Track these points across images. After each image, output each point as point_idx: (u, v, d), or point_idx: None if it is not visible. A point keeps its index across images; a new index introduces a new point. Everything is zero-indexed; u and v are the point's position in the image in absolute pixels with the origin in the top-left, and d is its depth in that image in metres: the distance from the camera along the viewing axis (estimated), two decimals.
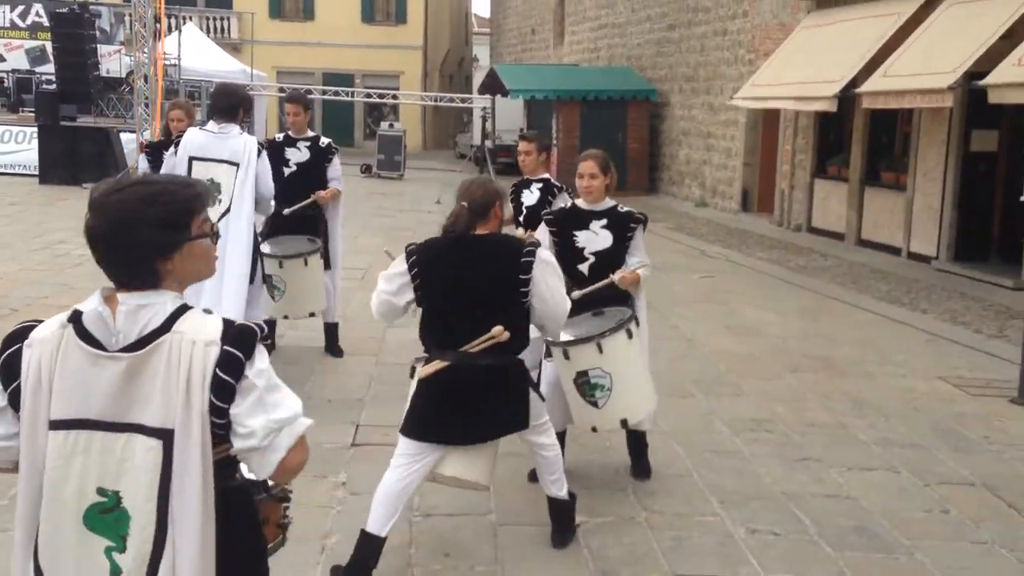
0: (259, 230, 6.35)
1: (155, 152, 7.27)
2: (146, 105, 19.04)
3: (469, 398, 3.81)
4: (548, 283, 3.81)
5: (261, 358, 2.04)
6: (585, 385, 4.44)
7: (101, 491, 1.99)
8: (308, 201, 6.76)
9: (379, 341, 7.61)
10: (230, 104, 5.81)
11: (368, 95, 28.30)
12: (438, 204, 18.75)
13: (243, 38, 33.17)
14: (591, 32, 27.40)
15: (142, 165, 7.56)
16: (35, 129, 18.79)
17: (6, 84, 25.78)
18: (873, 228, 14.46)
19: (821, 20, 15.27)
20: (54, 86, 20.45)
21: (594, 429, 4.68)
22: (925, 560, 4.29)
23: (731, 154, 18.99)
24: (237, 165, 5.68)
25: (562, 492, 4.23)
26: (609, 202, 4.86)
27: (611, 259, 4.76)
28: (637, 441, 5.14)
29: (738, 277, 11.99)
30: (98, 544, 2.00)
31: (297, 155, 6.84)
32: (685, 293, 10.35)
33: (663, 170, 22.45)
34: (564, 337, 4.43)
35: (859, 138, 14.79)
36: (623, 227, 4.80)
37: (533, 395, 4.01)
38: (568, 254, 4.76)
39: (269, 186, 5.92)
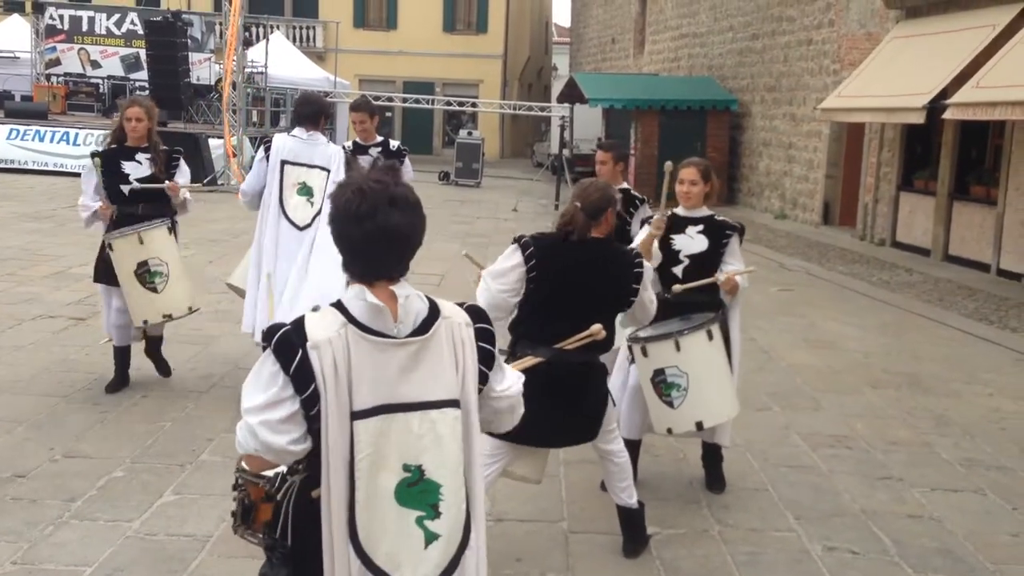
0: None
1: (111, 161, 5.95)
2: (233, 112, 19.58)
3: (560, 398, 3.81)
4: (648, 291, 3.96)
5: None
6: (662, 384, 4.44)
7: (406, 467, 2.15)
8: None
9: None
10: (311, 112, 5.96)
11: (448, 103, 28.58)
12: (515, 212, 18.80)
13: (328, 47, 33.84)
14: (672, 41, 27.22)
15: (86, 182, 6.01)
16: None
17: (101, 90, 26.69)
18: (961, 243, 14.04)
19: (911, 30, 14.91)
20: (147, 92, 21.13)
21: (669, 431, 4.62)
22: None
23: (813, 166, 18.65)
24: (328, 171, 5.84)
25: (632, 500, 4.21)
26: (707, 211, 4.87)
27: (705, 263, 4.77)
28: (711, 453, 5.08)
29: (818, 291, 11.76)
30: (410, 516, 2.16)
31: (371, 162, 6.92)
32: (763, 305, 10.19)
33: (742, 181, 22.16)
34: (644, 334, 4.44)
35: (948, 151, 14.38)
36: (719, 234, 4.82)
37: (608, 399, 4.02)
38: (663, 256, 4.78)
39: None
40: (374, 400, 2.12)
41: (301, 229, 5.82)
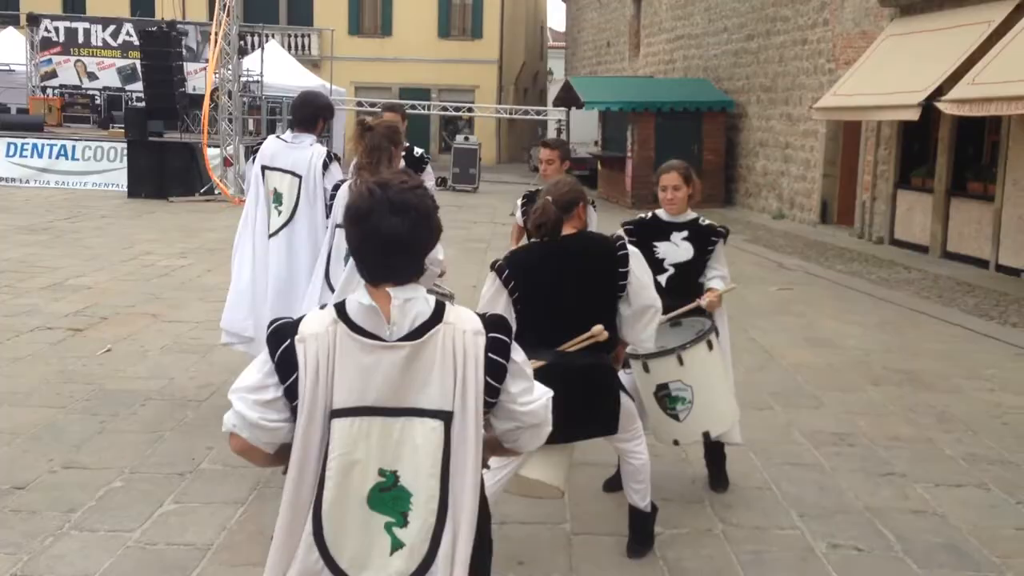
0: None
1: None
2: (230, 121, 19.56)
3: (565, 398, 3.77)
4: (640, 271, 3.84)
5: (516, 343, 2.24)
6: (666, 398, 4.37)
7: (381, 472, 2.14)
8: None
9: None
10: (305, 115, 5.54)
11: (444, 109, 28.60)
12: (512, 216, 18.77)
13: (323, 54, 33.85)
14: (667, 44, 27.24)
15: None
16: (124, 147, 19.43)
17: (97, 102, 26.69)
18: (959, 240, 14.03)
19: (905, 28, 14.92)
20: (143, 103, 21.13)
21: (676, 442, 4.60)
22: None
23: (810, 165, 18.65)
24: (300, 177, 5.43)
25: (645, 503, 4.17)
26: (691, 214, 4.78)
27: (690, 271, 4.69)
28: (714, 453, 5.06)
29: (817, 289, 11.75)
30: (379, 521, 2.15)
31: None
32: (762, 305, 10.17)
33: (739, 182, 22.16)
34: (643, 350, 4.39)
35: (944, 148, 14.38)
36: (704, 240, 4.72)
37: (624, 397, 3.97)
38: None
39: (324, 203, 5.39)
40: (355, 400, 2.12)
41: (268, 237, 5.54)
